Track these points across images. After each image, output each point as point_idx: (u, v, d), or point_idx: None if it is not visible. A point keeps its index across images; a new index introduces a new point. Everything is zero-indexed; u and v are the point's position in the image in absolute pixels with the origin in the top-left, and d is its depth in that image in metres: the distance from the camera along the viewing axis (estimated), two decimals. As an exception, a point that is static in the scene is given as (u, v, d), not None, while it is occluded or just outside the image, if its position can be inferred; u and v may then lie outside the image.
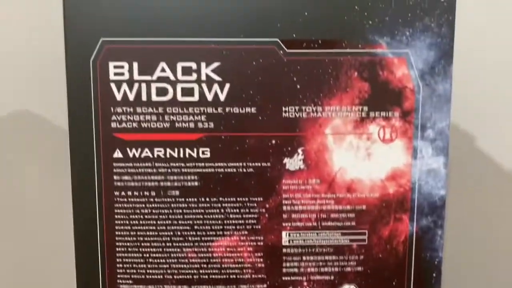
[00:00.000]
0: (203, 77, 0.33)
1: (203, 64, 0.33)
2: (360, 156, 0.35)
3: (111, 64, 0.33)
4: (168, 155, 0.34)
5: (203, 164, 0.34)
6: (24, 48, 0.44)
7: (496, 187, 0.46)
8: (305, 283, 0.36)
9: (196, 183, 0.34)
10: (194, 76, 0.33)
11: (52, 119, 0.44)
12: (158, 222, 0.35)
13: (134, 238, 0.35)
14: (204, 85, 0.34)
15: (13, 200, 0.46)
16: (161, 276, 0.35)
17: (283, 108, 0.34)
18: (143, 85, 0.33)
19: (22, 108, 0.45)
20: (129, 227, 0.35)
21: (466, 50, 0.39)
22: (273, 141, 0.34)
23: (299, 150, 0.35)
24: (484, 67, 0.44)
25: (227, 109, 0.34)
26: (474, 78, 0.44)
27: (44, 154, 0.45)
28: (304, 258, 0.35)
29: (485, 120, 0.45)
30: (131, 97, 0.34)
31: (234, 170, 0.34)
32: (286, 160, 0.35)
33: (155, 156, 0.34)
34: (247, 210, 0.35)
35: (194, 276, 0.35)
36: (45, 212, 0.46)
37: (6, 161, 0.45)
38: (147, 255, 0.35)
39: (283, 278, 0.36)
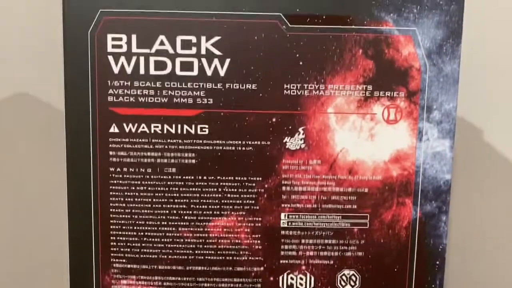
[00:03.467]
0: (203, 51, 0.33)
1: (203, 38, 0.32)
2: (363, 136, 0.34)
3: (109, 36, 0.32)
4: (165, 131, 0.33)
5: (201, 141, 0.33)
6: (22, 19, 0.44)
7: (504, 174, 0.44)
8: (303, 267, 0.35)
9: (193, 161, 0.34)
10: (193, 50, 0.33)
11: (49, 94, 0.44)
12: (154, 200, 0.34)
13: (129, 216, 0.34)
14: (203, 60, 0.33)
15: (8, 174, 0.45)
16: (156, 256, 0.34)
17: (285, 85, 0.33)
18: (141, 58, 0.33)
19: (18, 81, 0.44)
20: (124, 205, 0.34)
21: (476, 29, 0.37)
22: (274, 119, 0.33)
23: (300, 129, 0.34)
24: (495, 48, 0.42)
25: (227, 85, 0.33)
26: (484, 59, 0.42)
27: (40, 128, 0.44)
28: (303, 241, 0.34)
29: (495, 104, 0.43)
30: (128, 70, 0.33)
31: (233, 148, 0.33)
32: (286, 139, 0.34)
33: (152, 131, 0.33)
34: (245, 190, 0.34)
35: (190, 257, 0.34)
36: (39, 186, 0.45)
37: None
38: (142, 233, 0.34)
39: (281, 261, 0.34)
